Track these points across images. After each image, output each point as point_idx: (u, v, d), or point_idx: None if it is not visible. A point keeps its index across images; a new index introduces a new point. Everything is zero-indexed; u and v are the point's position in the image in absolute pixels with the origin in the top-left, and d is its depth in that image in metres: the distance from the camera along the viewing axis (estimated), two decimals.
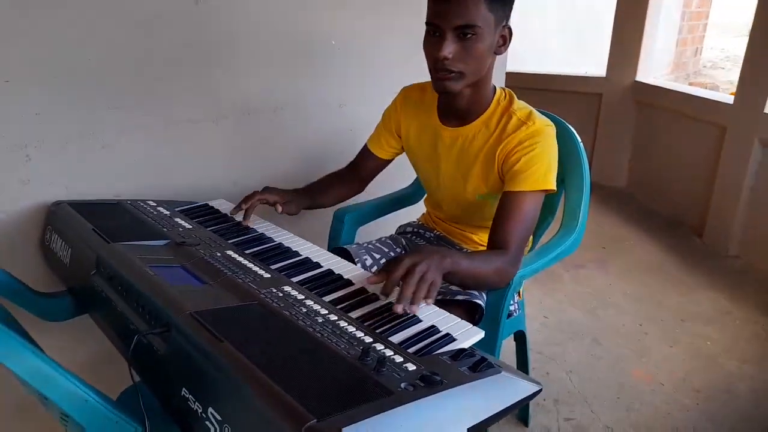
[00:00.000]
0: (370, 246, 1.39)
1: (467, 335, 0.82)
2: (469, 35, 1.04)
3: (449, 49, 1.04)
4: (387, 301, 0.90)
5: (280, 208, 1.25)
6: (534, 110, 1.18)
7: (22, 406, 1.27)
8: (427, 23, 1.08)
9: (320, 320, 0.81)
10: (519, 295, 1.42)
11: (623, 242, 2.94)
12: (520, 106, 1.18)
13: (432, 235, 1.45)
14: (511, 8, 1.10)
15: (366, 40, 1.75)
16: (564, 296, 2.38)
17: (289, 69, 1.60)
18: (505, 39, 1.11)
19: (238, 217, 1.25)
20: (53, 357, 0.90)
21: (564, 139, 1.41)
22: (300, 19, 1.57)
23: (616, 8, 3.49)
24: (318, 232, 1.48)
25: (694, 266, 2.65)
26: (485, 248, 1.35)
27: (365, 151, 1.43)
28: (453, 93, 1.12)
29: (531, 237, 1.28)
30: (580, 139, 1.41)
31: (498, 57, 1.13)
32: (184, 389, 0.71)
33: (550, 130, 1.15)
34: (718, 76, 7.30)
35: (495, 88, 1.21)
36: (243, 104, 1.53)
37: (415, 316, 0.86)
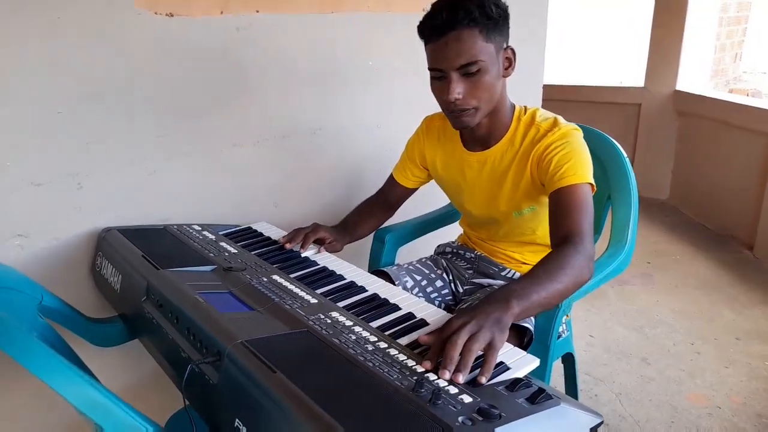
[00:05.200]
0: (410, 267, 1.37)
1: (521, 364, 0.79)
2: (473, 71, 1.03)
3: (458, 90, 1.04)
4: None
5: (323, 249, 1.27)
6: (558, 117, 1.16)
7: (72, 427, 1.29)
8: (429, 68, 1.08)
9: (370, 348, 0.80)
10: (567, 314, 1.38)
11: (669, 256, 2.84)
12: (544, 117, 1.17)
13: (473, 255, 1.42)
14: (508, 29, 1.09)
15: (402, 60, 1.75)
16: (609, 314, 2.31)
17: (327, 91, 1.62)
18: (510, 60, 1.10)
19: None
20: (102, 380, 0.92)
21: (608, 154, 1.38)
22: (337, 42, 1.59)
23: (653, 17, 3.43)
24: (358, 252, 1.48)
25: (746, 281, 2.54)
26: (528, 265, 1.33)
27: (391, 181, 1.43)
28: (472, 127, 1.12)
29: None
30: (625, 154, 1.37)
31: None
32: (237, 420, 0.71)
33: (577, 132, 1.13)
34: (761, 81, 7.06)
35: (513, 105, 1.20)
36: (282, 127, 1.55)
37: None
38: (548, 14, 2.02)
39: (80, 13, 1.15)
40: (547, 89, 2.25)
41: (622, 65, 4.81)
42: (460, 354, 0.74)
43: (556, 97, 3.01)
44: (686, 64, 3.40)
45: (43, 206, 1.18)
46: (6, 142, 1.12)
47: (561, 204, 1.05)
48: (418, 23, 1.06)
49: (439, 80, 1.07)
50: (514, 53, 1.11)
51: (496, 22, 1.03)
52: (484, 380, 0.73)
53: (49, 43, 1.12)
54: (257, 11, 1.39)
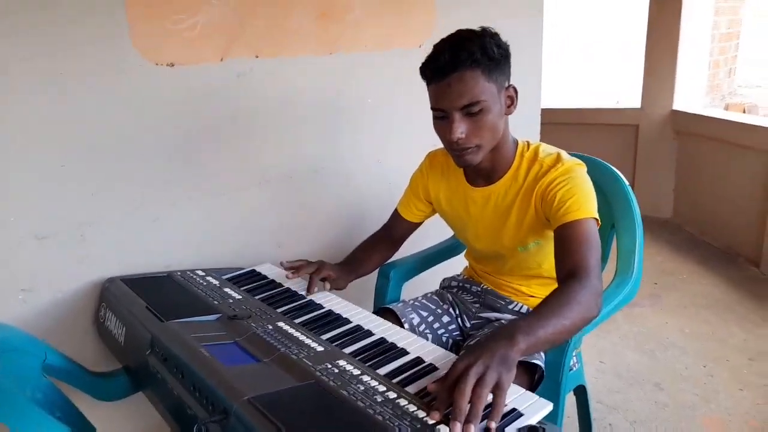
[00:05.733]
0: (416, 303, 1.36)
1: (535, 409, 0.78)
2: (476, 111, 1.04)
3: (460, 129, 1.05)
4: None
5: (328, 286, 1.27)
6: (562, 152, 1.17)
7: None
8: (432, 108, 1.09)
9: (379, 399, 0.78)
10: (577, 348, 1.36)
11: (675, 276, 2.82)
12: (547, 153, 1.17)
13: (479, 288, 1.41)
14: (509, 68, 1.10)
15: (401, 96, 1.77)
16: (618, 338, 2.28)
17: (327, 130, 1.63)
18: (512, 99, 1.12)
19: (289, 282, 1.28)
20: None
21: (610, 183, 1.38)
22: (336, 82, 1.61)
23: (646, 37, 3.46)
24: (363, 289, 1.47)
25: (755, 299, 2.51)
26: (536, 298, 1.32)
27: (396, 216, 1.43)
28: (475, 165, 1.13)
29: None
30: (627, 182, 1.37)
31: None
32: None
33: (580, 167, 1.14)
34: (755, 95, 7.11)
35: (516, 141, 1.20)
36: (284, 168, 1.56)
37: None
38: (543, 44, 2.06)
39: (82, 66, 1.17)
40: (544, 113, 2.25)
41: (617, 86, 4.85)
42: (469, 401, 0.72)
43: (553, 120, 3.03)
44: (682, 82, 3.42)
45: (47, 259, 1.18)
46: (10, 196, 1.12)
47: (566, 239, 1.05)
48: (420, 65, 1.07)
49: (442, 120, 1.08)
50: (516, 92, 1.12)
51: (498, 62, 1.04)
52: (494, 425, 0.72)
53: (52, 96, 1.14)
54: (257, 56, 1.41)
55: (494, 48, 1.03)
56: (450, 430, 0.70)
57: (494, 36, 1.06)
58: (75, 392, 1.05)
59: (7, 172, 1.11)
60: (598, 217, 1.07)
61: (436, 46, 1.06)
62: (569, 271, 0.99)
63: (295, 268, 1.26)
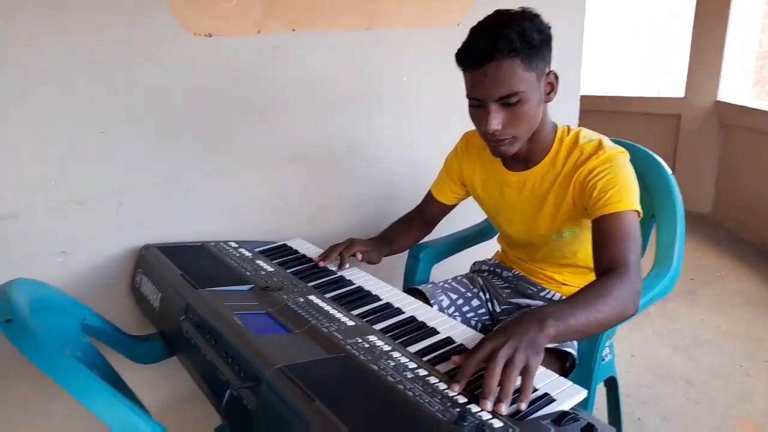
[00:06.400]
0: (446, 286, 1.35)
1: (567, 395, 0.76)
2: (513, 102, 0.99)
3: (496, 121, 1.01)
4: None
5: (360, 256, 1.25)
6: (604, 138, 1.11)
7: None
8: (467, 96, 1.04)
9: (409, 375, 0.78)
10: (610, 339, 1.33)
11: (713, 272, 2.74)
12: (588, 139, 1.12)
13: (510, 274, 1.39)
14: (550, 52, 1.03)
15: (437, 76, 1.74)
16: (652, 332, 2.23)
17: (362, 107, 1.62)
18: (552, 85, 1.06)
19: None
20: (139, 395, 0.92)
21: (652, 172, 1.33)
22: (372, 58, 1.59)
23: (693, 25, 3.33)
24: (393, 270, 1.46)
25: None
26: (569, 286, 1.30)
27: (429, 197, 1.40)
28: (511, 155, 1.10)
29: None
30: (669, 170, 1.32)
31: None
32: None
33: (623, 155, 1.08)
34: None
35: (555, 126, 1.15)
36: (318, 144, 1.55)
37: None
38: (584, 28, 1.99)
39: (123, 35, 1.17)
40: (581, 100, 2.20)
41: (656, 74, 4.69)
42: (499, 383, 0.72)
43: (591, 108, 2.95)
44: (728, 73, 3.29)
45: (86, 224, 1.21)
46: (52, 161, 1.15)
47: (605, 232, 1.00)
48: (456, 50, 1.01)
49: (478, 108, 1.03)
50: (556, 77, 1.06)
51: (539, 49, 0.98)
52: (524, 407, 0.71)
53: (94, 63, 1.15)
54: (293, 29, 1.40)
55: (535, 34, 0.96)
56: (480, 407, 0.70)
57: (535, 19, 0.99)
58: (110, 355, 1.07)
59: (50, 137, 1.14)
60: (640, 209, 1.03)
61: (473, 32, 1.00)
62: (608, 266, 0.96)
63: (324, 255, 1.24)
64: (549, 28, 1.01)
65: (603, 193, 1.02)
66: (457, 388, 0.74)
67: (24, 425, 1.24)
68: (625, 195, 1.02)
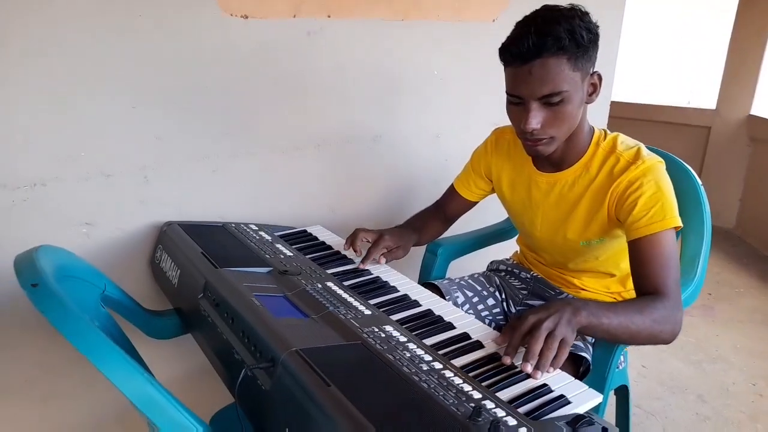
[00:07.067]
0: (462, 282, 1.34)
1: (583, 398, 0.75)
2: (555, 101, 0.96)
3: (536, 120, 0.98)
4: (493, 352, 0.86)
5: (383, 261, 1.21)
6: (642, 146, 1.08)
7: (121, 413, 1.33)
8: (507, 92, 1.01)
9: (425, 368, 0.78)
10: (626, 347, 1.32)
11: (732, 288, 2.69)
12: (627, 146, 1.09)
13: (528, 276, 1.38)
14: (596, 52, 0.99)
15: (468, 71, 1.73)
16: (665, 345, 2.20)
17: (390, 98, 1.61)
18: (596, 86, 1.03)
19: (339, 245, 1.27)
20: (152, 369, 0.93)
21: (680, 180, 1.30)
22: (404, 49, 1.58)
23: (731, 38, 3.26)
24: (409, 264, 1.46)
25: None
26: (587, 291, 1.28)
27: (452, 192, 1.39)
28: (547, 155, 1.08)
29: None
30: (700, 182, 1.30)
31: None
32: (287, 430, 0.70)
33: (662, 165, 1.06)
34: None
35: (592, 129, 1.13)
36: (344, 132, 1.55)
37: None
38: (621, 33, 1.96)
39: (160, 11, 1.18)
40: (613, 106, 2.17)
41: (688, 84, 4.61)
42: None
43: (619, 115, 2.91)
44: (763, 87, 3.22)
45: (111, 196, 1.22)
46: (83, 132, 1.16)
47: (647, 255, 0.99)
48: (500, 44, 0.98)
49: (517, 106, 1.01)
50: (600, 78, 1.02)
51: (586, 48, 0.95)
52: (552, 370, 0.81)
53: (129, 38, 1.16)
54: (328, 16, 1.39)
55: (584, 33, 0.93)
56: (521, 369, 0.79)
57: (585, 17, 0.95)
58: (126, 328, 1.09)
59: (83, 110, 1.15)
60: (680, 223, 1.01)
61: (520, 26, 0.96)
62: (650, 287, 0.98)
63: (351, 242, 1.21)
64: (597, 27, 0.98)
65: (645, 211, 1.00)
66: (507, 360, 0.82)
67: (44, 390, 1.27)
68: (669, 211, 1.00)
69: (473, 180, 1.34)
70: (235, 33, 1.28)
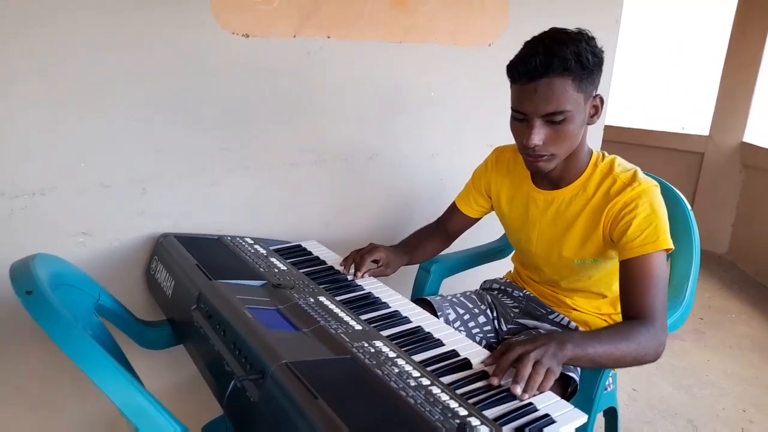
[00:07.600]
0: (454, 300, 1.35)
1: (567, 418, 0.76)
2: (558, 120, 1.00)
3: (538, 137, 1.01)
4: (481, 371, 0.87)
5: (367, 276, 1.25)
6: (638, 170, 1.12)
7: (110, 420, 1.33)
8: (512, 109, 1.05)
9: (413, 383, 0.79)
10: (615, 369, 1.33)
11: (723, 314, 2.70)
12: (624, 169, 1.12)
13: (521, 294, 1.39)
14: (600, 76, 1.04)
15: (464, 93, 1.76)
16: (655, 368, 2.21)
17: (387, 117, 1.64)
18: (597, 108, 1.07)
19: (332, 261, 1.28)
20: (143, 380, 0.94)
21: (670, 205, 1.32)
22: (402, 71, 1.61)
23: (724, 65, 3.32)
24: (402, 280, 1.47)
25: None
26: (578, 311, 1.30)
27: (454, 209, 1.42)
28: (547, 172, 1.10)
29: None
30: (690, 207, 1.32)
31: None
32: None
33: (657, 188, 1.09)
34: None
35: (591, 150, 1.16)
36: (341, 150, 1.57)
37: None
38: (615, 58, 2.00)
39: (162, 28, 1.21)
40: (606, 130, 2.20)
41: (682, 110, 4.67)
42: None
43: (612, 139, 2.95)
44: (756, 114, 3.27)
45: (109, 207, 1.24)
46: (83, 143, 1.18)
47: (636, 276, 1.02)
48: (508, 62, 1.02)
49: (521, 122, 1.04)
50: (602, 102, 1.06)
51: (591, 71, 0.99)
52: (539, 394, 0.82)
53: (131, 54, 1.19)
54: (328, 36, 1.43)
55: (589, 56, 0.97)
56: (511, 390, 0.81)
57: (591, 41, 1.00)
58: (118, 337, 1.09)
59: (84, 121, 1.17)
60: (672, 245, 1.03)
61: (528, 45, 1.00)
62: (637, 314, 1.00)
63: (346, 262, 1.26)
64: (602, 52, 1.02)
65: (639, 232, 1.03)
66: (495, 381, 0.84)
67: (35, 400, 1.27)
68: (662, 233, 1.03)
69: (473, 197, 1.37)
70: (236, 51, 1.31)
